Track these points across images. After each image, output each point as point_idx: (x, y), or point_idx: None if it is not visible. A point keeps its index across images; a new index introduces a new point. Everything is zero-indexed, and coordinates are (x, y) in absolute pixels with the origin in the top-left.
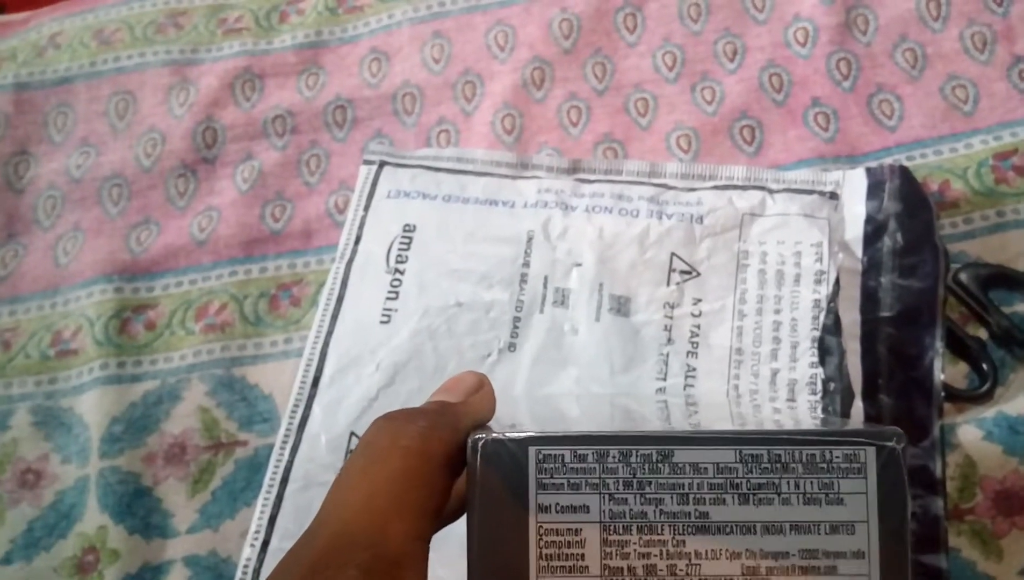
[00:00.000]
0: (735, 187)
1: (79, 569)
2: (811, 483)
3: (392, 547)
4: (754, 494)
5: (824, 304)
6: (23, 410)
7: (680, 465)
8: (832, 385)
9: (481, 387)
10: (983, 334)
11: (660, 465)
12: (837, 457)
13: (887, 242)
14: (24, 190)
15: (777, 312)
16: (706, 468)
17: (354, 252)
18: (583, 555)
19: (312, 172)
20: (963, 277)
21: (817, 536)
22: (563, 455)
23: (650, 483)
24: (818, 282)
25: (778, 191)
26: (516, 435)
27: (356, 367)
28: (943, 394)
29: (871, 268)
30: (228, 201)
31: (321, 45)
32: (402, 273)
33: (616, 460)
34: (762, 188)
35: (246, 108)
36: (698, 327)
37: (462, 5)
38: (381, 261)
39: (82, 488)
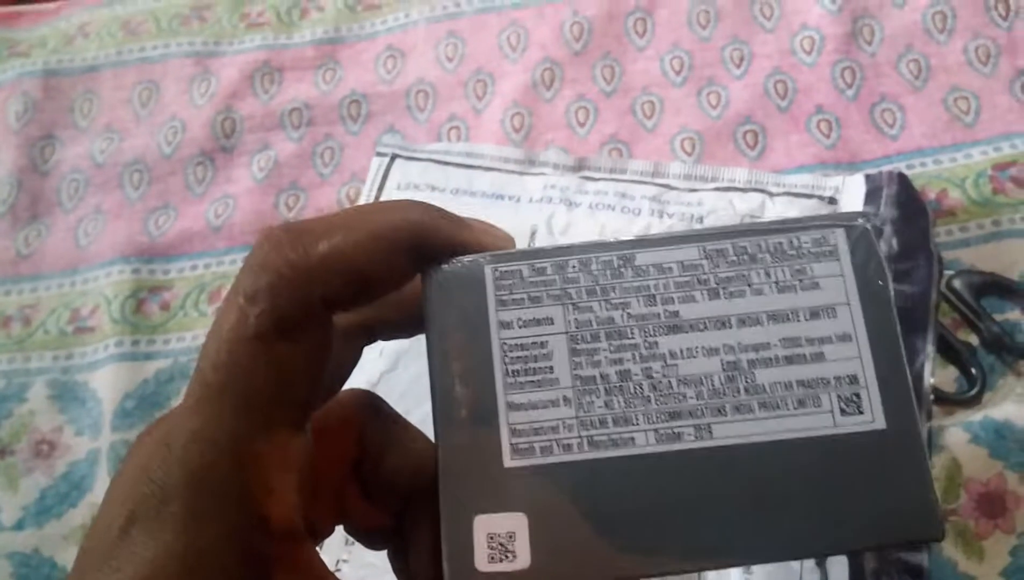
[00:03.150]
0: (736, 189)
1: None
2: (782, 271)
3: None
4: (724, 288)
5: None
6: (40, 383)
7: (643, 267)
8: None
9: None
10: (974, 340)
11: (622, 270)
12: (805, 242)
13: (883, 247)
14: (49, 173)
15: None
16: (670, 267)
17: None
18: (551, 367)
19: (326, 164)
20: (956, 284)
21: (797, 324)
22: (521, 270)
23: (614, 288)
24: None
25: (778, 194)
26: (470, 256)
27: None
28: (932, 397)
29: None
30: (244, 189)
31: (339, 41)
32: None
33: (576, 269)
34: (762, 191)
35: (264, 100)
36: None
37: (477, 6)
38: None
39: (93, 460)
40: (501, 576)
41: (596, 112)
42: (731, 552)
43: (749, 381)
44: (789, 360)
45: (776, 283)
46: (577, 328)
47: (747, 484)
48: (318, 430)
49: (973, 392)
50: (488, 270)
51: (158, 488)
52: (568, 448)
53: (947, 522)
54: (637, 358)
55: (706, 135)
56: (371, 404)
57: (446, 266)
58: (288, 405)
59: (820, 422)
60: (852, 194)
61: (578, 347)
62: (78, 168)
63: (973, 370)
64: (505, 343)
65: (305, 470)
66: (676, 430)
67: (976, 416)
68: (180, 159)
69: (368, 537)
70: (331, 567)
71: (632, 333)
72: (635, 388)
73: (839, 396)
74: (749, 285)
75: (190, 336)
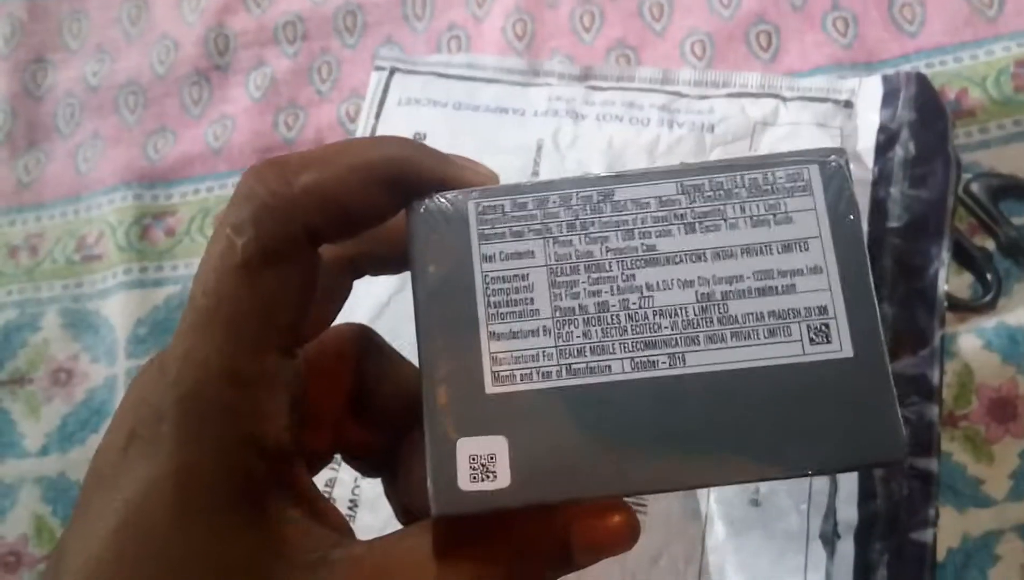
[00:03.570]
0: (748, 95)
1: None
2: (757, 206)
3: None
4: (700, 222)
5: None
6: (53, 312)
7: (622, 202)
8: None
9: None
10: (991, 245)
11: (601, 205)
12: (780, 177)
13: (899, 152)
14: (43, 98)
15: None
16: (648, 203)
17: None
18: (532, 298)
19: (323, 80)
20: (974, 187)
21: (769, 257)
22: (503, 205)
23: (593, 223)
24: None
25: (792, 99)
26: (453, 192)
27: None
28: (946, 304)
29: (881, 178)
30: (242, 109)
31: None
32: None
33: (557, 205)
34: (776, 96)
35: (256, 14)
36: None
37: None
38: None
39: (111, 386)
40: (482, 494)
41: (602, 16)
42: (701, 474)
43: (722, 312)
44: (761, 292)
45: (750, 217)
46: (557, 261)
47: (718, 410)
48: (314, 363)
49: (988, 298)
50: (471, 205)
51: (153, 410)
52: (547, 376)
53: (957, 428)
54: (615, 290)
55: (717, 37)
56: (365, 336)
57: (429, 201)
58: (276, 330)
59: (790, 350)
60: (869, 97)
61: (558, 280)
62: (72, 92)
63: (988, 276)
64: (487, 275)
65: (297, 394)
66: (651, 358)
67: (990, 322)
68: (174, 79)
69: (364, 464)
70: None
71: (610, 266)
72: (612, 318)
73: (808, 326)
74: (724, 219)
75: (197, 261)
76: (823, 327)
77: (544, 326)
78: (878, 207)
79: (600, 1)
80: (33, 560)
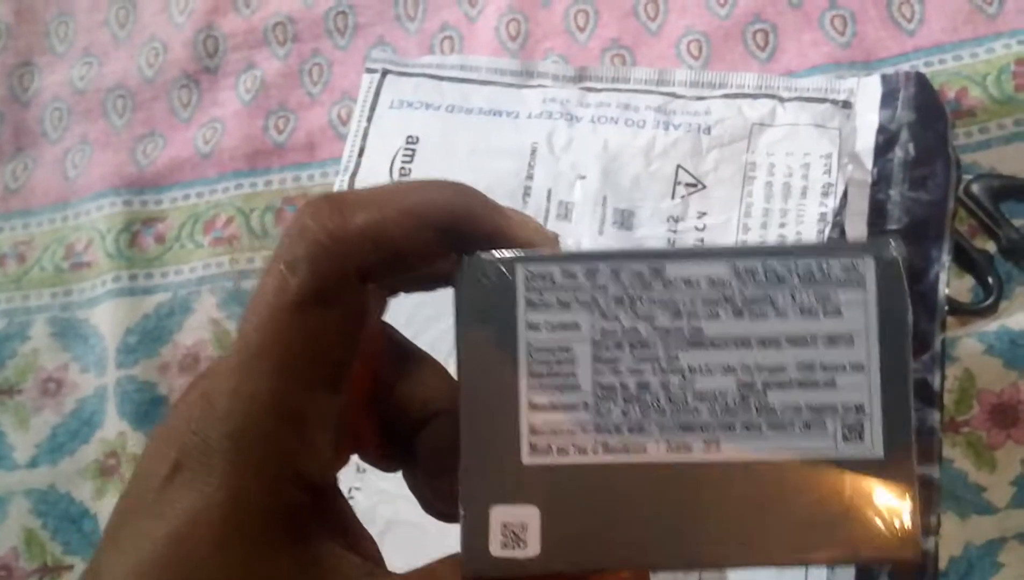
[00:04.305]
0: (745, 96)
1: (102, 472)
2: (808, 295)
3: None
4: (749, 308)
5: (830, 218)
6: (41, 321)
7: (672, 280)
8: None
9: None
10: (991, 247)
11: (652, 281)
12: (835, 268)
13: (898, 153)
14: (30, 102)
15: (782, 226)
16: (699, 282)
17: (358, 165)
18: (574, 372)
19: (315, 82)
20: (975, 188)
21: (815, 349)
22: (552, 273)
23: (641, 299)
24: (825, 195)
25: (789, 100)
26: (504, 254)
27: None
28: (946, 308)
29: (881, 180)
30: (231, 112)
31: None
32: None
33: (606, 277)
34: (773, 96)
35: (246, 15)
36: (702, 241)
37: None
38: (385, 174)
39: (101, 396)
40: (511, 561)
41: (596, 15)
42: (724, 556)
43: (761, 401)
44: (802, 384)
45: (800, 307)
46: (602, 336)
47: (746, 497)
48: None
49: (989, 302)
50: (520, 269)
51: (201, 441)
52: (583, 451)
53: (958, 434)
54: (657, 370)
55: (713, 36)
56: (385, 334)
57: (479, 258)
58: (325, 367)
59: (822, 445)
60: (867, 97)
61: (601, 355)
62: (59, 96)
63: (989, 279)
64: (531, 345)
65: (341, 426)
66: (687, 442)
67: (991, 326)
68: (163, 82)
69: (381, 462)
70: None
71: (655, 345)
72: (652, 399)
73: (844, 423)
74: (774, 306)
75: (187, 268)
76: (858, 426)
77: (584, 401)
78: (878, 209)
79: None
80: (24, 574)
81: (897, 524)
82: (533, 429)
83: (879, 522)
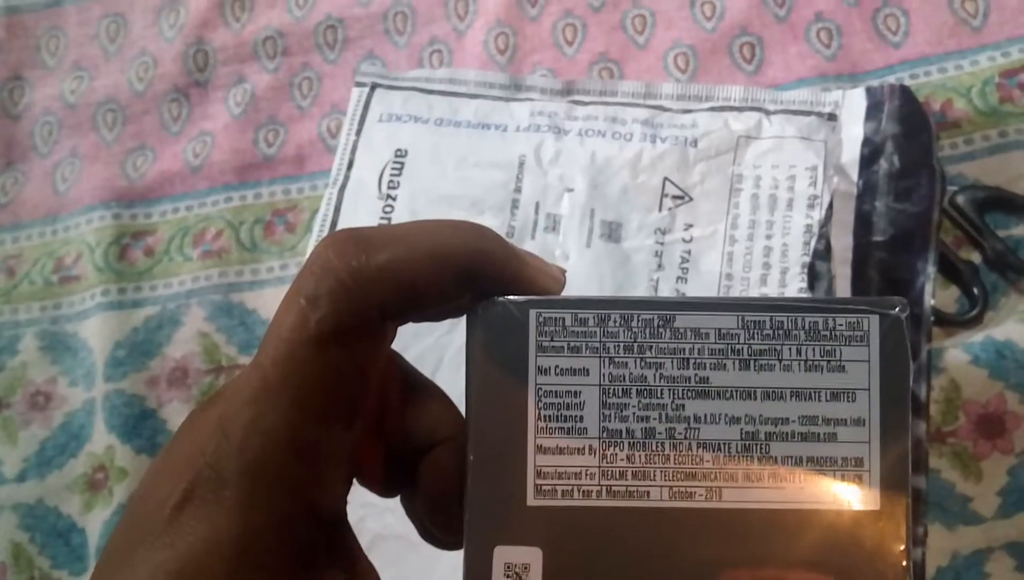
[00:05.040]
0: (732, 108)
1: (90, 486)
2: (813, 350)
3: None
4: (755, 360)
5: (816, 229)
6: (30, 335)
7: (681, 330)
8: None
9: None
10: (977, 258)
11: (661, 330)
12: (840, 325)
13: (883, 165)
14: (20, 116)
15: (768, 237)
16: (707, 333)
17: (347, 178)
18: (582, 417)
19: (304, 95)
20: (960, 200)
21: (817, 403)
22: (564, 318)
23: (651, 347)
24: (811, 207)
25: (775, 112)
26: (517, 298)
27: None
28: (932, 319)
29: (866, 192)
30: (221, 126)
31: None
32: (394, 199)
33: (617, 324)
34: (759, 109)
35: (236, 29)
36: (689, 253)
37: None
38: (373, 187)
39: (90, 410)
40: None
41: (584, 29)
42: None
43: (763, 452)
44: (804, 437)
45: (805, 361)
46: (610, 382)
47: (745, 543)
48: None
49: (974, 313)
50: (533, 315)
51: (215, 473)
52: (587, 495)
53: (944, 444)
54: (663, 418)
55: (700, 49)
56: (391, 361)
57: (494, 303)
58: (341, 404)
59: (821, 497)
60: (852, 110)
61: (609, 400)
62: (50, 110)
63: (975, 290)
64: (541, 388)
65: (355, 462)
66: (689, 489)
67: (977, 337)
68: (153, 96)
69: (380, 487)
70: None
71: (662, 393)
72: (657, 446)
73: (843, 475)
74: (779, 360)
75: (176, 282)
76: (856, 478)
77: (591, 445)
78: (863, 221)
79: (583, 14)
80: None
81: (889, 575)
82: (540, 472)
83: (872, 573)
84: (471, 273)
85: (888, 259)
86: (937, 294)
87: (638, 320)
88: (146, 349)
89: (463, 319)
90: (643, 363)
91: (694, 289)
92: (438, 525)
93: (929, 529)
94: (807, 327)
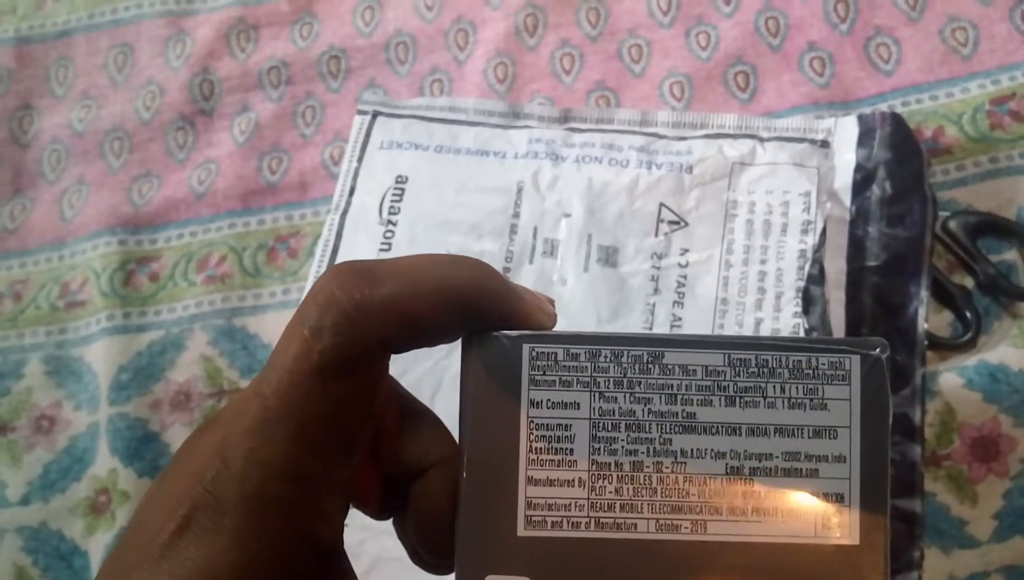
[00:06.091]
0: (726, 136)
1: (93, 509)
2: (796, 388)
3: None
4: (741, 397)
5: (810, 254)
6: (36, 359)
7: (670, 366)
8: (815, 334)
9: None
10: (969, 282)
11: (650, 366)
12: (823, 364)
13: (876, 191)
14: (29, 145)
15: (763, 262)
16: (695, 370)
17: (348, 204)
18: (572, 450)
19: (308, 123)
20: (952, 225)
21: (800, 439)
22: (556, 353)
23: (640, 383)
24: (804, 232)
25: (769, 139)
26: (511, 333)
27: None
28: (926, 343)
29: (859, 217)
30: (226, 153)
31: None
32: (394, 225)
33: (608, 360)
34: (753, 136)
35: (241, 59)
36: (684, 277)
37: None
38: (374, 213)
39: (93, 433)
40: None
41: (581, 58)
42: None
43: (747, 486)
44: (787, 472)
45: (788, 399)
46: (600, 416)
47: (729, 575)
48: None
49: (967, 337)
50: (526, 349)
51: (214, 500)
52: (576, 526)
53: (940, 468)
54: (651, 452)
55: (695, 78)
56: (388, 386)
57: (490, 337)
58: (341, 435)
59: (802, 531)
60: (845, 136)
61: (599, 434)
62: (58, 138)
63: (968, 314)
64: (533, 421)
65: (352, 490)
66: (675, 522)
67: (970, 361)
68: (160, 124)
69: (373, 510)
70: None
71: (650, 428)
72: (645, 479)
73: (824, 510)
74: (764, 397)
75: (180, 306)
76: (836, 513)
77: (580, 478)
78: (856, 246)
79: (580, 43)
80: None
81: None
82: (530, 503)
83: None
84: (470, 308)
85: (881, 284)
86: (931, 318)
87: (628, 356)
88: (150, 373)
89: (459, 343)
90: (632, 398)
91: (690, 314)
92: (428, 547)
93: (926, 553)
94: (791, 366)
